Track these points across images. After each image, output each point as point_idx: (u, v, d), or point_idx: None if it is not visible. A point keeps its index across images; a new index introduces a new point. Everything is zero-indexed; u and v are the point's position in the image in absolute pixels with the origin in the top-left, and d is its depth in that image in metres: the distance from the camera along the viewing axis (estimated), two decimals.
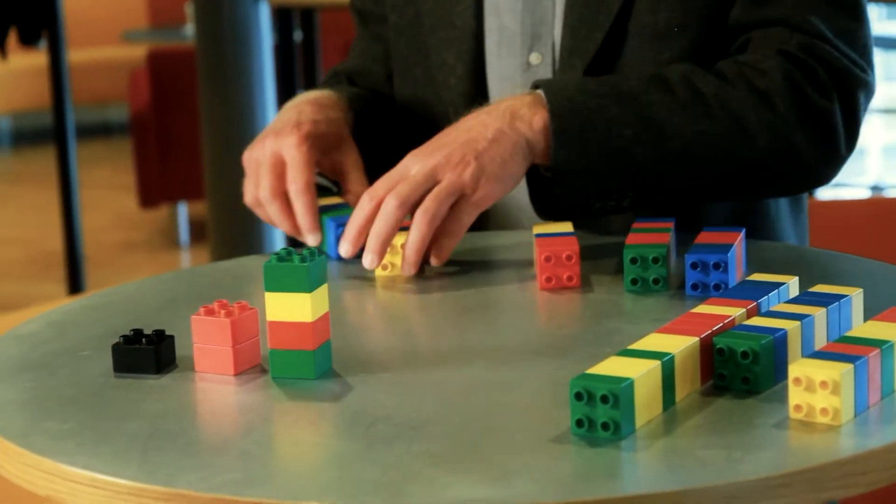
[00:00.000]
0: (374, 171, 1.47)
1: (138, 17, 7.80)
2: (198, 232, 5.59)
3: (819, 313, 1.11)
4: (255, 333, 1.16)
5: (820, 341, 1.11)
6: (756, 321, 1.10)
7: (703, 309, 1.13)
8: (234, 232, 3.93)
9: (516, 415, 1.04)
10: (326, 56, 5.07)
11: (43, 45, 4.62)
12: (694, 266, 1.28)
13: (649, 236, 1.34)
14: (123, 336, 1.17)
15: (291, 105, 1.53)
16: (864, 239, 2.22)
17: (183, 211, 5.62)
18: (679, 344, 1.05)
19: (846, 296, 1.15)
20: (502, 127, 1.38)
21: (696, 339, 1.06)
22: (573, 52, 1.50)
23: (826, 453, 0.94)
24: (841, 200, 2.72)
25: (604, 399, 0.98)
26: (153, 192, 5.50)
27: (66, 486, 0.98)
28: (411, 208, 1.36)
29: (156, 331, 1.17)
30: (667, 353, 1.03)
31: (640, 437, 0.99)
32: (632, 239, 1.34)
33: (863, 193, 5.50)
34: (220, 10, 3.86)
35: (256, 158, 1.48)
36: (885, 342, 1.03)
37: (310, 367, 1.12)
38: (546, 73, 1.54)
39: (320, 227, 1.44)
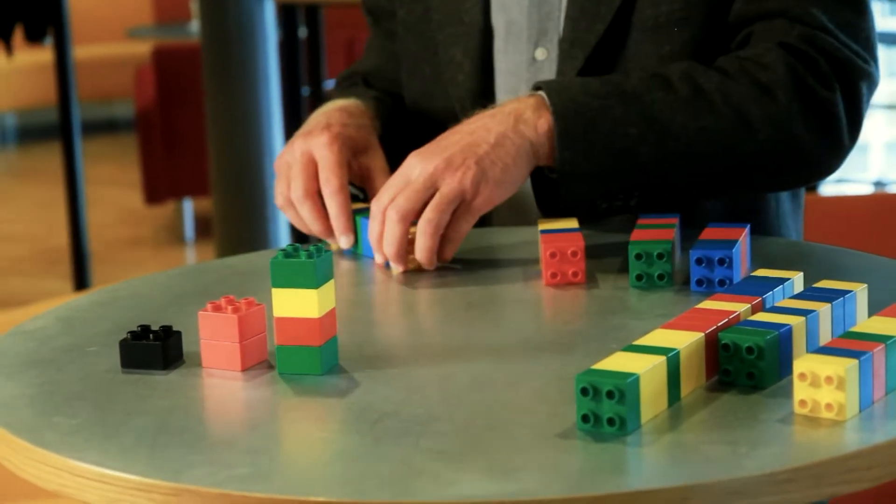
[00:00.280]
0: None
1: (144, 14, 7.80)
2: (203, 228, 5.60)
3: (824, 309, 1.12)
4: (261, 329, 1.16)
5: (825, 337, 1.12)
6: (761, 317, 1.10)
7: (707, 304, 1.13)
8: (239, 228, 3.93)
9: (522, 410, 1.05)
10: (331, 53, 5.07)
11: (49, 41, 4.62)
12: (699, 262, 1.29)
13: (654, 232, 1.35)
14: (131, 332, 1.17)
15: (320, 111, 1.54)
16: (866, 235, 2.22)
17: (188, 207, 5.63)
18: (684, 339, 1.05)
19: (851, 291, 1.15)
20: (506, 131, 1.38)
21: (702, 334, 1.07)
22: (574, 44, 1.50)
23: (831, 448, 0.95)
24: (843, 196, 2.72)
25: (609, 394, 0.98)
26: (158, 188, 5.51)
27: (74, 481, 0.99)
28: (414, 217, 1.36)
29: (163, 327, 1.17)
30: (672, 349, 1.04)
31: (646, 432, 0.99)
32: (636, 235, 1.34)
33: (865, 189, 5.50)
34: (225, 7, 3.86)
35: (286, 161, 1.49)
36: (889, 338, 1.04)
37: (316, 362, 1.13)
38: (551, 67, 1.54)
39: (354, 229, 1.44)
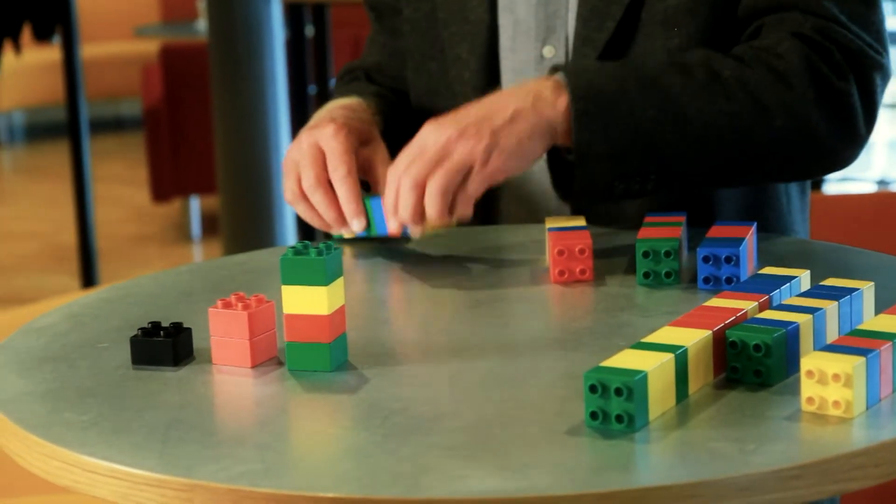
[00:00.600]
0: None
1: (151, 13, 7.81)
2: (210, 226, 5.61)
3: (831, 307, 1.12)
4: (271, 326, 1.17)
5: (832, 334, 1.12)
6: (768, 314, 1.10)
7: (715, 302, 1.14)
8: (246, 226, 3.93)
9: (530, 407, 1.05)
10: (338, 51, 5.07)
11: (56, 40, 4.63)
12: (706, 260, 1.29)
13: (661, 230, 1.35)
14: (141, 328, 1.18)
15: (323, 109, 1.56)
16: (870, 233, 2.23)
17: (195, 205, 5.63)
18: (692, 337, 1.06)
19: (858, 289, 1.15)
20: (524, 107, 1.39)
21: (709, 332, 1.07)
22: (585, 42, 1.51)
23: (838, 445, 0.95)
24: (847, 195, 2.72)
25: (618, 392, 0.98)
26: (165, 186, 5.51)
27: (86, 477, 0.99)
28: (426, 184, 1.37)
29: (173, 323, 1.18)
30: (680, 346, 1.04)
31: (654, 429, 0.99)
32: (644, 233, 1.35)
33: (869, 188, 5.49)
34: (232, 6, 3.87)
35: (293, 157, 1.49)
36: None
37: (326, 359, 1.13)
38: None
39: (365, 213, 1.44)
